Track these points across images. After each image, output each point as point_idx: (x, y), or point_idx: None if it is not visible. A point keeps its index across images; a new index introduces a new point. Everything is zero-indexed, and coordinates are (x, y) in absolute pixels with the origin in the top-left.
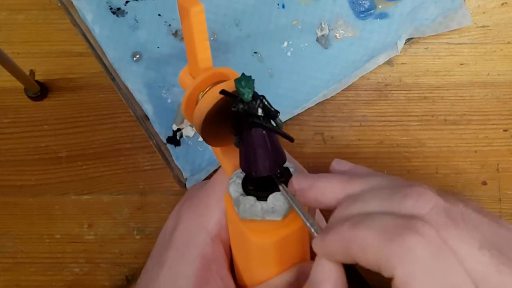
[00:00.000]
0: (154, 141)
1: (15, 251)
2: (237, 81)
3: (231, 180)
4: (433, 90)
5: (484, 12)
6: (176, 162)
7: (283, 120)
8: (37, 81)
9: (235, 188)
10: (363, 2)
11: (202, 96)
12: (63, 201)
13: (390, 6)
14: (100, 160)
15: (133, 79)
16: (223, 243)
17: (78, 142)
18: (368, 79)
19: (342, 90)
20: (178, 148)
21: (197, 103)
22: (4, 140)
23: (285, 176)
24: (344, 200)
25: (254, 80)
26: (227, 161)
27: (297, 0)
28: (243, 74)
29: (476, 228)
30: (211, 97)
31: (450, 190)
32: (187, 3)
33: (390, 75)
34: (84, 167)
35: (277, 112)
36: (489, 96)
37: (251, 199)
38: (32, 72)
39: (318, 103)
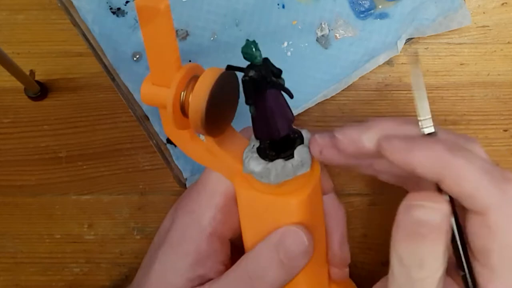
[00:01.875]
0: (154, 141)
1: (15, 251)
2: (247, 46)
3: (246, 158)
4: (433, 90)
5: (484, 12)
6: (176, 162)
7: None
8: (37, 81)
9: (257, 162)
10: (363, 2)
11: (189, 92)
12: (63, 201)
13: (390, 6)
14: (100, 160)
15: (133, 79)
16: (220, 239)
17: (78, 142)
18: (368, 79)
19: (342, 90)
20: (178, 148)
21: (181, 104)
22: (4, 140)
23: (299, 133)
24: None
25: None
26: (223, 153)
27: (297, 0)
28: (247, 40)
29: None
30: (205, 83)
31: None
32: (151, 2)
33: (390, 75)
34: (84, 167)
35: (280, 70)
36: (489, 96)
37: (280, 161)
38: (32, 72)
39: (318, 103)
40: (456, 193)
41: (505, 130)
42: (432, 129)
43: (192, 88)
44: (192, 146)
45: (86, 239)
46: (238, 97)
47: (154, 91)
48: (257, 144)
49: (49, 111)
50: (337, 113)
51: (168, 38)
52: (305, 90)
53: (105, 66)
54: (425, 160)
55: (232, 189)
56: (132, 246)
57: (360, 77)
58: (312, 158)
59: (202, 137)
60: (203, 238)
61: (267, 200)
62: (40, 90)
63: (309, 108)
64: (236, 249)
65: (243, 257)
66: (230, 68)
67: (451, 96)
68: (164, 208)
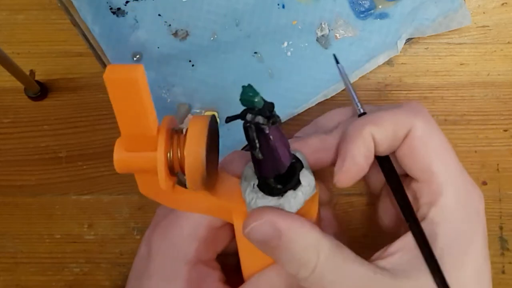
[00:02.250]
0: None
1: (15, 251)
2: (245, 93)
3: (252, 199)
4: (433, 90)
5: (484, 12)
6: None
7: (283, 120)
8: (37, 81)
9: (266, 200)
10: (363, 2)
11: (175, 150)
12: (63, 201)
13: (390, 6)
14: (100, 160)
15: None
16: (207, 264)
17: (78, 142)
18: (368, 79)
19: (342, 90)
20: None
21: (169, 163)
22: (4, 140)
23: (296, 158)
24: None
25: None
26: (217, 200)
27: (297, 0)
28: (243, 86)
29: None
30: (198, 138)
31: None
32: (123, 73)
33: (390, 75)
34: (84, 167)
35: (272, 103)
36: (489, 96)
37: (291, 193)
38: (32, 72)
39: (318, 103)
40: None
41: (505, 130)
42: (361, 110)
43: (179, 145)
44: (175, 197)
45: (86, 239)
46: (218, 138)
47: (132, 158)
48: (256, 181)
49: (49, 111)
50: None
51: (147, 103)
52: (305, 90)
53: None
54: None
55: (215, 220)
56: (132, 246)
57: (360, 77)
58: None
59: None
60: (189, 269)
61: None
62: (40, 90)
63: (309, 108)
64: (225, 265)
65: (247, 283)
66: (230, 119)
67: (451, 96)
68: None
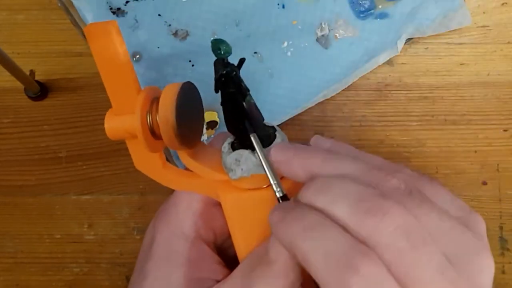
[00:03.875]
0: None
1: (15, 251)
2: (216, 44)
3: (243, 159)
4: (433, 90)
5: (484, 12)
6: (176, 162)
7: (283, 120)
8: (37, 81)
9: (253, 158)
10: (363, 2)
11: (155, 112)
12: (63, 201)
13: (390, 6)
14: (100, 160)
15: None
16: (206, 241)
17: (78, 142)
18: (368, 79)
19: (342, 90)
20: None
21: (150, 126)
22: (4, 140)
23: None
24: (313, 183)
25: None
26: (201, 165)
27: (297, 0)
28: (212, 40)
29: (434, 251)
30: (170, 94)
31: (450, 190)
32: (99, 24)
33: (390, 75)
34: (84, 167)
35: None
36: (489, 96)
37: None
38: (32, 72)
39: (318, 103)
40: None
41: (505, 130)
42: (280, 194)
43: (157, 107)
44: (165, 174)
45: (86, 239)
46: (203, 111)
47: (118, 121)
48: (231, 144)
49: (49, 111)
50: (337, 113)
51: (122, 61)
52: (305, 90)
53: None
54: (282, 241)
55: (209, 197)
56: (132, 246)
57: (360, 77)
58: None
59: (180, 165)
60: (189, 245)
61: (251, 197)
62: (40, 90)
63: (309, 108)
64: (223, 255)
65: (245, 258)
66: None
67: (451, 96)
68: None
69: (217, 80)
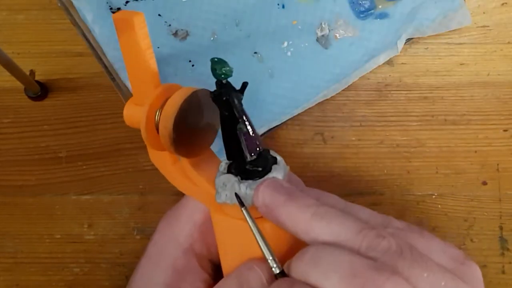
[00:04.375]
0: None
1: (15, 251)
2: (217, 64)
3: (229, 184)
4: (433, 90)
5: (484, 12)
6: None
7: (283, 120)
8: (37, 81)
9: (238, 187)
10: (363, 2)
11: (161, 111)
12: (63, 201)
13: (390, 6)
14: (100, 160)
15: None
16: (197, 256)
17: (78, 142)
18: (368, 79)
19: (342, 90)
20: None
21: (156, 123)
22: (4, 140)
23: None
24: (304, 254)
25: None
26: (198, 176)
27: (297, 0)
28: (211, 59)
29: None
30: (176, 99)
31: (450, 190)
32: (126, 15)
33: (390, 75)
34: (84, 167)
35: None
36: (489, 96)
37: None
38: (32, 72)
39: (318, 103)
40: None
41: (505, 130)
42: (277, 270)
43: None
44: (173, 172)
45: (86, 239)
46: (219, 122)
47: (134, 110)
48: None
49: (49, 111)
50: (337, 113)
51: (145, 53)
52: (305, 90)
53: (105, 66)
54: None
55: None
56: (132, 246)
57: (360, 77)
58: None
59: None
60: (179, 253)
61: (234, 225)
62: (40, 90)
63: (309, 108)
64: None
65: (216, 285)
66: (214, 96)
67: (451, 96)
68: (164, 208)
69: (213, 99)
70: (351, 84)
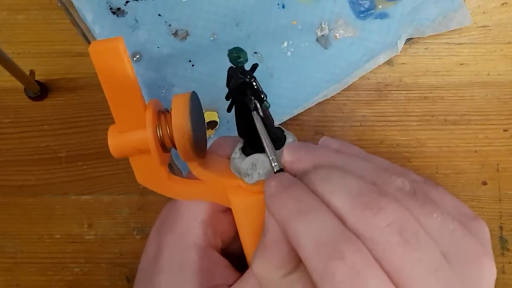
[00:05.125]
0: None
1: (15, 251)
2: (234, 52)
3: (259, 163)
4: (433, 90)
5: (484, 12)
6: (175, 161)
7: (283, 120)
8: (37, 81)
9: (257, 157)
10: (363, 2)
11: (164, 125)
12: (63, 201)
13: (390, 6)
14: (100, 160)
15: None
16: (215, 248)
17: (78, 142)
18: (368, 79)
19: (342, 90)
20: None
21: (160, 140)
22: (4, 140)
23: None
24: (318, 170)
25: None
26: (211, 174)
27: (297, 0)
28: (229, 50)
29: (430, 249)
30: (182, 105)
31: (450, 190)
32: (107, 43)
33: (390, 75)
34: (84, 167)
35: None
36: (489, 96)
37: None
38: (32, 72)
39: (318, 103)
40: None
41: (505, 130)
42: (278, 167)
43: (166, 122)
44: (171, 186)
45: (86, 239)
46: (204, 120)
47: (125, 138)
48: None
49: (49, 111)
50: (337, 113)
51: (130, 79)
52: (305, 90)
53: None
54: (275, 215)
55: (216, 204)
56: (132, 246)
57: (360, 77)
58: None
59: (183, 172)
60: (201, 254)
61: (263, 200)
62: (40, 90)
63: (309, 108)
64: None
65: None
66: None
67: (451, 96)
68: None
69: (234, 89)
70: (351, 84)
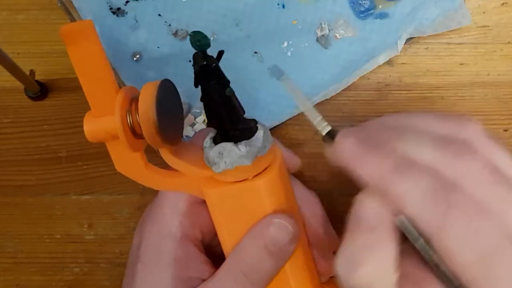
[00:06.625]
0: None
1: (15, 251)
2: (196, 36)
3: (226, 152)
4: (433, 90)
5: (484, 12)
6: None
7: (283, 120)
8: (37, 81)
9: (237, 150)
10: (363, 2)
11: (134, 111)
12: (63, 201)
13: (390, 6)
14: (100, 160)
15: (133, 79)
16: (193, 242)
17: (78, 142)
18: (368, 79)
19: (342, 90)
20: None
21: (130, 125)
22: (4, 140)
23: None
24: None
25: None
26: (183, 162)
27: (297, 0)
28: (191, 33)
29: None
30: (149, 91)
31: None
32: (79, 25)
33: (390, 75)
34: (84, 167)
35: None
36: (489, 96)
37: (244, 142)
38: (32, 72)
39: (318, 103)
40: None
41: (505, 130)
42: (328, 128)
43: (137, 106)
44: (148, 174)
45: (86, 239)
46: (182, 109)
47: (98, 123)
48: (212, 139)
49: (49, 111)
50: (337, 113)
51: (100, 61)
52: (305, 90)
53: None
54: (369, 176)
55: (194, 196)
56: None
57: (360, 77)
58: (272, 143)
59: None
60: (176, 245)
61: (236, 190)
62: (40, 90)
63: None
64: (212, 253)
65: (230, 254)
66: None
67: (451, 96)
68: None
69: (198, 73)
70: (351, 84)
